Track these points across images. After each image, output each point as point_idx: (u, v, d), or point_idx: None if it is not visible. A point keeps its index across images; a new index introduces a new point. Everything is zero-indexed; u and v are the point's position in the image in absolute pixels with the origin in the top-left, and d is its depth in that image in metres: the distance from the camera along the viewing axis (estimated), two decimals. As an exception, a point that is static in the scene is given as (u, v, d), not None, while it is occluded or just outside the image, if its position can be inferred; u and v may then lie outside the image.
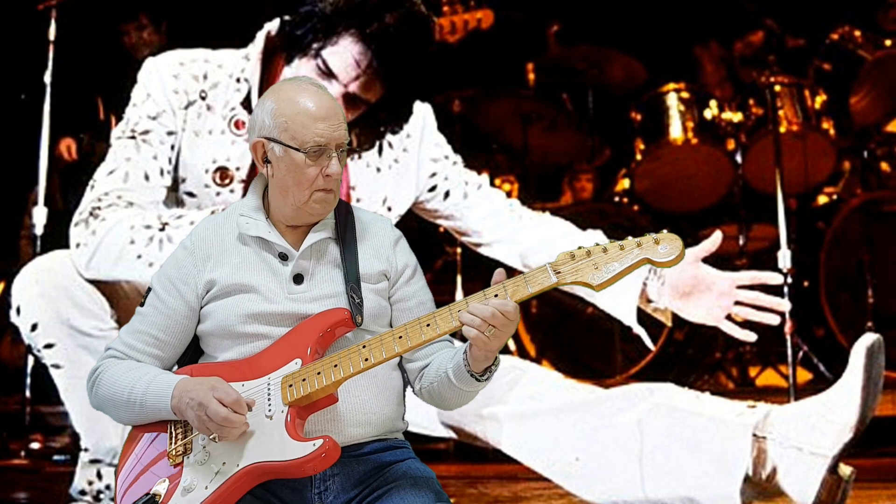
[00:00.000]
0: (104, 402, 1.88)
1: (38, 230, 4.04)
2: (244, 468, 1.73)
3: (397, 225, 2.17)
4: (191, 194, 2.76)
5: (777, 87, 4.99)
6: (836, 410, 2.49)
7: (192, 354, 1.94)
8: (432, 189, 3.01)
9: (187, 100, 2.73)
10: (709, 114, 5.21)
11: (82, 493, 2.71)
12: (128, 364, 1.87)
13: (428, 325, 1.74)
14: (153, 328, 1.89)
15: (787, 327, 3.78)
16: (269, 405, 1.76)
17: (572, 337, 5.20)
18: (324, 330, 1.80)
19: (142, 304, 1.93)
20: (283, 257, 1.87)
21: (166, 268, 1.94)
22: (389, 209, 2.92)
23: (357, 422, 1.82)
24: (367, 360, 1.75)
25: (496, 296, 1.72)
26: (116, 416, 1.89)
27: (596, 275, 1.72)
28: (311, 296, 1.85)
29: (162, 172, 2.70)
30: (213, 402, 1.72)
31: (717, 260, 2.80)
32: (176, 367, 1.94)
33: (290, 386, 1.76)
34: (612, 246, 1.73)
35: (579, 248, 1.74)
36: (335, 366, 1.75)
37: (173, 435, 1.82)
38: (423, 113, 2.98)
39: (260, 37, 2.79)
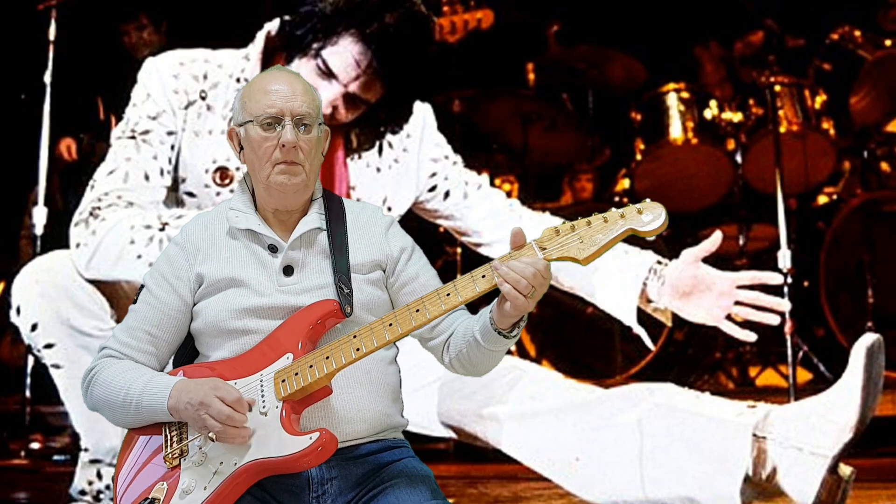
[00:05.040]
0: (99, 403, 1.86)
1: (38, 230, 4.04)
2: (242, 466, 1.73)
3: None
4: (191, 194, 2.76)
5: (777, 87, 4.99)
6: (836, 410, 2.49)
7: (188, 354, 1.93)
8: (432, 189, 3.01)
9: (187, 100, 2.73)
10: (709, 114, 5.21)
11: (82, 493, 2.71)
12: (124, 364, 1.86)
13: (417, 310, 1.74)
14: (146, 324, 1.88)
15: (787, 327, 3.78)
16: (264, 402, 1.76)
17: (572, 337, 5.20)
18: (313, 322, 1.79)
19: (134, 302, 1.92)
20: (273, 249, 1.87)
21: (158, 265, 1.93)
22: (389, 209, 2.93)
23: (352, 419, 1.81)
24: (358, 349, 1.74)
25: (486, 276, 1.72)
26: (112, 417, 1.87)
27: (581, 248, 1.72)
28: (302, 287, 1.84)
29: (162, 172, 2.70)
30: (216, 401, 1.71)
31: (717, 260, 2.80)
32: (170, 366, 1.93)
33: (283, 381, 1.75)
34: (595, 219, 1.73)
35: (563, 223, 1.74)
36: (327, 357, 1.74)
37: (168, 437, 1.81)
38: (423, 113, 2.99)
39: (260, 37, 2.79)
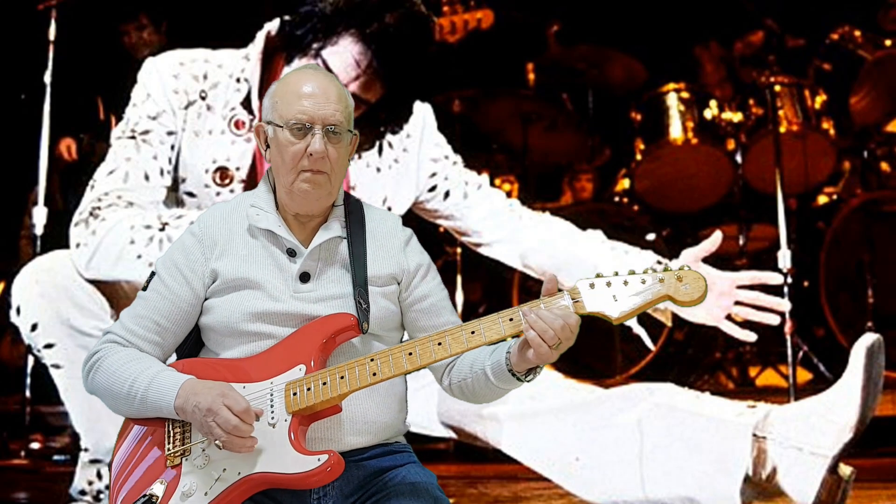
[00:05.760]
0: (101, 390, 1.83)
1: (38, 230, 4.04)
2: (245, 476, 1.71)
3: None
4: (191, 194, 2.76)
5: (777, 87, 4.99)
6: (836, 410, 2.49)
7: (192, 345, 1.90)
8: (432, 189, 3.01)
9: (187, 100, 2.74)
10: (709, 114, 5.21)
11: (82, 493, 2.71)
12: (130, 353, 1.82)
13: (440, 343, 1.73)
14: (155, 313, 1.84)
15: (787, 327, 3.78)
16: (272, 412, 1.73)
17: (572, 337, 5.18)
18: (328, 335, 1.77)
19: (144, 289, 1.88)
20: (292, 253, 1.84)
21: (172, 253, 1.89)
22: (389, 209, 2.92)
23: (357, 430, 1.80)
24: (374, 374, 1.72)
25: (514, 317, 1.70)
26: (113, 406, 1.84)
27: (615, 307, 1.71)
28: (317, 296, 1.82)
29: (162, 172, 2.71)
30: (224, 410, 1.68)
31: (717, 260, 2.80)
32: (174, 357, 1.90)
33: (295, 394, 1.73)
34: (633, 279, 1.72)
35: (598, 275, 1.73)
36: (342, 377, 1.72)
37: (171, 435, 1.78)
38: (423, 113, 2.99)
39: (260, 37, 2.79)
